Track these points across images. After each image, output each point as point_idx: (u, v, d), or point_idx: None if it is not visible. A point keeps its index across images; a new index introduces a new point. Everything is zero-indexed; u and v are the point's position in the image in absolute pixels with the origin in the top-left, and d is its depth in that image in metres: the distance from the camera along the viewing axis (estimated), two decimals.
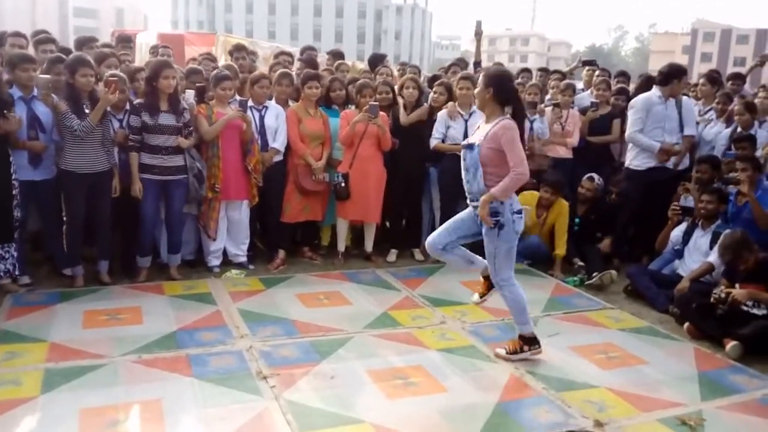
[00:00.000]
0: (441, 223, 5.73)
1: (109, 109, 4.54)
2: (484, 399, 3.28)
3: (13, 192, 4.25)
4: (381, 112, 5.45)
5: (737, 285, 4.20)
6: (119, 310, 4.19)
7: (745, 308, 4.07)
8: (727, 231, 4.52)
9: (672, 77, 5.55)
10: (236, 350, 3.69)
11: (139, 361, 3.49)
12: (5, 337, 3.70)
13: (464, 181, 3.66)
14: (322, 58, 7.83)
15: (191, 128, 4.77)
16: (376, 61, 7.19)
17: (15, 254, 4.33)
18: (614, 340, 4.15)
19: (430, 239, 3.80)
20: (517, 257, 5.57)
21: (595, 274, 5.24)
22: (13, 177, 4.25)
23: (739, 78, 6.85)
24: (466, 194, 3.67)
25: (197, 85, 5.24)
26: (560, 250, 5.58)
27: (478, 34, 7.57)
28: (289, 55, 7.07)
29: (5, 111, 4.08)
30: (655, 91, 5.66)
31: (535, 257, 5.71)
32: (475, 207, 3.58)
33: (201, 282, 4.86)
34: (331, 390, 3.28)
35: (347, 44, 67.12)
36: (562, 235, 5.60)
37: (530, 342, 3.73)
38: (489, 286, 3.81)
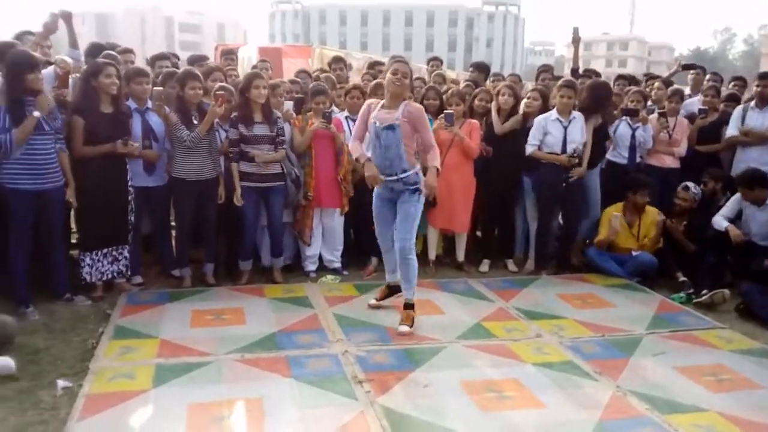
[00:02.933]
0: (536, 234, 5.68)
1: (217, 120, 4.79)
2: (584, 417, 3.17)
3: (129, 198, 4.56)
4: (473, 120, 5.42)
5: None
6: (223, 311, 4.39)
7: None
8: None
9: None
10: (332, 354, 3.77)
11: (241, 360, 3.64)
12: (121, 332, 3.97)
13: (381, 159, 4.08)
14: (414, 67, 7.94)
15: (283, 137, 4.92)
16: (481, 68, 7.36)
17: (128, 256, 4.65)
18: (725, 362, 3.90)
19: (386, 245, 4.44)
20: (628, 275, 5.44)
21: (705, 291, 4.94)
22: (129, 184, 4.57)
23: None
24: (382, 173, 4.10)
25: (295, 96, 5.42)
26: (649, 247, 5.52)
27: (576, 41, 7.36)
28: (382, 65, 7.16)
29: (127, 138, 4.40)
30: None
31: (646, 274, 5.47)
32: (396, 181, 4.11)
33: (298, 286, 5.01)
34: (424, 399, 3.28)
35: (438, 53, 67.05)
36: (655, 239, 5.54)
37: (413, 307, 4.27)
38: (390, 293, 4.54)
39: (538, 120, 5.41)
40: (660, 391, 3.46)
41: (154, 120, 4.75)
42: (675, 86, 6.49)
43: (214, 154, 4.80)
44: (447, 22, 70.55)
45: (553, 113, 5.39)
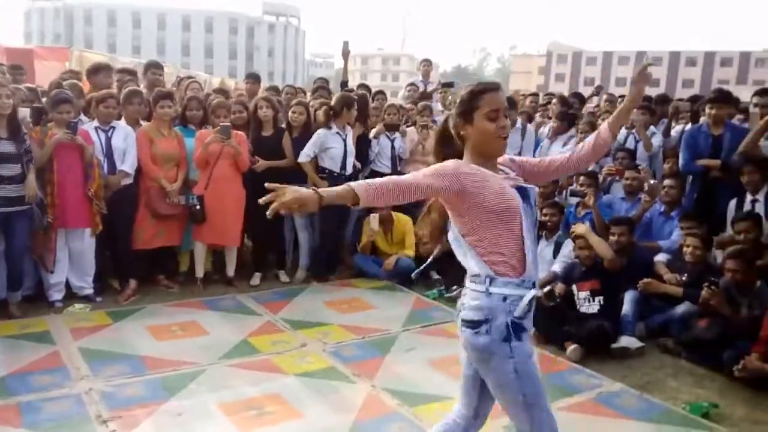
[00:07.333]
0: (306, 244, 5.77)
1: None
2: (340, 421, 3.27)
3: None
4: (239, 132, 5.34)
5: (574, 286, 4.55)
6: None
7: (582, 309, 4.42)
8: None
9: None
10: (74, 393, 3.41)
11: None
12: None
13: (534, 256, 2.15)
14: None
15: (31, 154, 4.40)
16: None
17: None
18: None
19: None
20: (389, 277, 5.75)
21: (454, 287, 5.42)
22: None
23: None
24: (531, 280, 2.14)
25: (33, 105, 4.87)
26: (409, 250, 5.82)
27: (346, 55, 7.74)
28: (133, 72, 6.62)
29: None
30: None
31: (405, 275, 5.76)
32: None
33: (39, 320, 4.46)
34: (178, 428, 3.12)
35: (219, 60, 65.69)
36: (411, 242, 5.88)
37: None
38: None
39: (319, 133, 5.54)
40: (410, 386, 3.70)
41: None
42: (424, 102, 7.07)
43: None
44: (227, 29, 69.18)
45: (334, 127, 5.56)
